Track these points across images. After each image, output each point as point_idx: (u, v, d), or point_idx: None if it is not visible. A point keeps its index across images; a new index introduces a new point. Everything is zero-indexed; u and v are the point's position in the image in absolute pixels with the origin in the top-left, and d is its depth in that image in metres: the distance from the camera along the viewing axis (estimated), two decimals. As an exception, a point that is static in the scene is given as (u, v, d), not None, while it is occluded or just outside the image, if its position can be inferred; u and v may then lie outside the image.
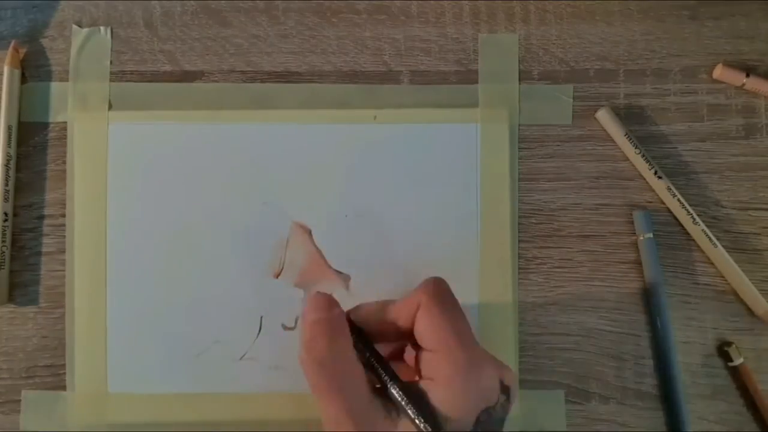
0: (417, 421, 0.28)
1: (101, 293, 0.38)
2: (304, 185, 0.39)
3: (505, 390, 0.29)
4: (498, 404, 0.29)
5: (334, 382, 0.29)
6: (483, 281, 0.39)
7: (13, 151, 0.38)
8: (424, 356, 0.30)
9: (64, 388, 0.38)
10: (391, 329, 0.31)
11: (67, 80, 0.39)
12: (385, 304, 0.32)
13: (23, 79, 0.39)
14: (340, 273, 0.39)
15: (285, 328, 0.38)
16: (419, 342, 0.30)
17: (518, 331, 0.39)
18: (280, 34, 0.40)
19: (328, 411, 0.29)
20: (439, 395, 0.29)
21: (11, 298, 0.38)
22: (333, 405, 0.29)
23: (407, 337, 0.31)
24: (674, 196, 0.39)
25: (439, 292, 0.31)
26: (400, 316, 0.31)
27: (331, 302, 0.31)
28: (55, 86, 0.39)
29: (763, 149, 0.40)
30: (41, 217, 0.39)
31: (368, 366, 0.30)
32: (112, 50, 0.40)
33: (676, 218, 0.39)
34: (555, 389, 0.39)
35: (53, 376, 0.38)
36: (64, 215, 0.39)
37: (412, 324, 0.30)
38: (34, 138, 0.39)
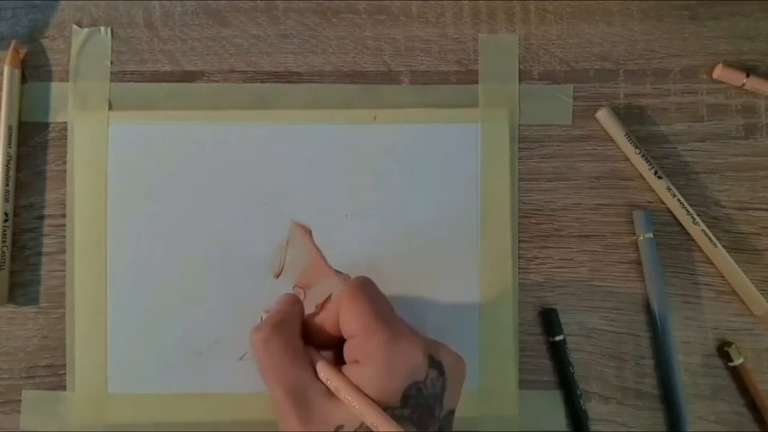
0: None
1: (101, 293, 0.38)
2: (304, 185, 0.39)
3: (436, 364, 0.29)
4: (428, 379, 0.29)
5: (275, 360, 0.30)
6: (483, 281, 0.39)
7: (13, 151, 0.38)
8: (349, 344, 0.31)
9: (64, 388, 0.38)
10: (323, 333, 0.32)
11: (67, 80, 0.39)
12: (316, 312, 0.34)
13: (23, 79, 0.39)
14: (340, 273, 0.39)
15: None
16: (344, 335, 0.31)
17: (518, 331, 0.39)
18: (280, 34, 0.40)
19: (271, 390, 0.30)
20: (362, 374, 0.29)
21: (11, 298, 0.38)
22: (274, 383, 0.30)
23: (339, 340, 0.32)
24: (674, 196, 0.39)
25: (360, 284, 0.32)
26: (327, 317, 0.32)
27: (293, 300, 0.34)
28: (55, 86, 0.39)
29: (763, 149, 0.40)
30: (41, 217, 0.39)
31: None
32: (112, 50, 0.40)
33: (676, 218, 0.39)
34: (555, 389, 0.39)
35: (53, 376, 0.38)
36: (64, 215, 0.39)
37: (338, 323, 0.31)
38: (34, 138, 0.39)
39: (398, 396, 0.28)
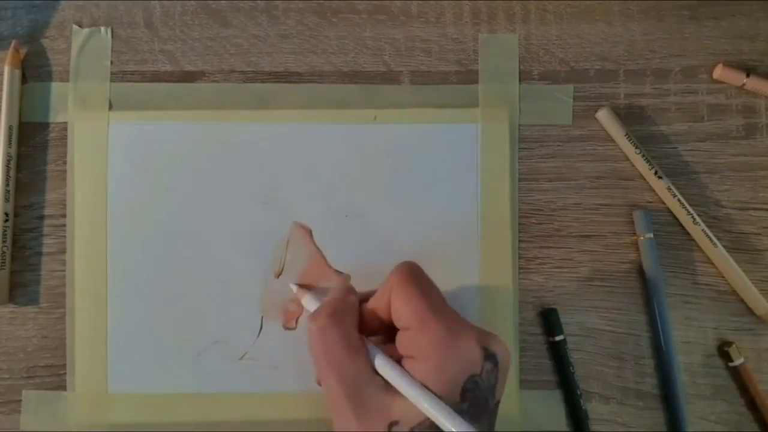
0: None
1: (101, 293, 0.38)
2: (304, 185, 0.39)
3: (491, 357, 0.29)
4: (484, 371, 0.29)
5: (332, 351, 0.30)
6: (483, 281, 0.39)
7: (13, 151, 0.38)
8: (402, 336, 0.30)
9: (64, 388, 0.38)
10: (375, 320, 0.32)
11: (67, 80, 0.39)
12: (364, 297, 0.33)
13: (23, 79, 0.39)
14: (340, 273, 0.39)
15: (285, 328, 0.38)
16: (397, 324, 0.31)
17: (518, 331, 0.39)
18: (280, 34, 0.40)
19: (326, 381, 0.30)
20: (420, 371, 0.29)
21: (11, 298, 0.38)
22: (330, 375, 0.29)
23: (390, 326, 0.31)
24: (674, 196, 0.39)
25: (410, 271, 0.31)
26: (378, 304, 0.31)
27: (349, 289, 0.33)
28: (55, 86, 0.39)
29: (763, 149, 0.40)
30: (41, 217, 0.39)
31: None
32: (112, 50, 0.40)
33: (676, 218, 0.39)
34: (555, 389, 0.39)
35: (53, 376, 0.38)
36: (64, 215, 0.39)
37: (389, 311, 0.31)
38: (34, 138, 0.39)
39: (458, 391, 0.28)
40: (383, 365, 0.30)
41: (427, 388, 0.28)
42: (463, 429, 0.27)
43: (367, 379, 0.29)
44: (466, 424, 0.27)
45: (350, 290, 0.33)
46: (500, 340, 0.30)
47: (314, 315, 0.31)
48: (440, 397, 0.28)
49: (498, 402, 0.30)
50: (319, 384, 0.32)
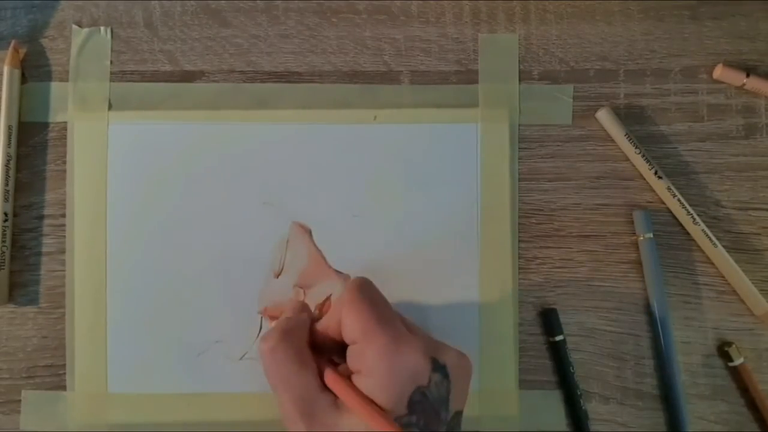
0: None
1: (101, 293, 0.38)
2: (304, 185, 0.39)
3: (440, 368, 0.29)
4: (432, 383, 0.29)
5: (282, 370, 0.30)
6: (483, 281, 0.39)
7: (13, 151, 0.38)
8: (350, 351, 0.31)
9: (64, 388, 0.38)
10: (328, 339, 0.32)
11: (67, 80, 0.39)
12: (318, 317, 0.33)
13: (23, 79, 0.39)
14: (340, 273, 0.39)
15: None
16: (345, 339, 0.31)
17: (518, 331, 0.39)
18: (280, 34, 0.40)
19: (279, 400, 0.30)
20: (367, 384, 0.29)
21: (11, 298, 0.38)
22: (283, 393, 0.30)
23: (343, 344, 0.32)
24: (674, 196, 0.39)
25: (360, 286, 0.31)
26: (330, 321, 0.32)
27: (301, 307, 0.34)
28: (55, 86, 0.39)
29: (763, 149, 0.40)
30: (41, 217, 0.39)
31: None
32: (112, 50, 0.40)
33: (676, 218, 0.39)
34: (555, 389, 0.39)
35: (53, 376, 0.38)
36: (64, 215, 0.39)
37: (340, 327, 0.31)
38: (34, 138, 0.39)
39: (404, 403, 0.28)
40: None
41: (370, 401, 0.28)
42: None
43: (316, 396, 0.30)
44: None
45: (303, 307, 0.34)
46: (454, 350, 0.30)
47: (265, 336, 0.31)
48: (387, 410, 0.28)
49: (459, 412, 0.30)
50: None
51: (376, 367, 0.29)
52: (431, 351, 0.29)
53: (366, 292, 0.31)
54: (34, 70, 0.40)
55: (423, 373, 0.29)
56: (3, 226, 0.38)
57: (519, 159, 0.40)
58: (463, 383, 0.30)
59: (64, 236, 0.39)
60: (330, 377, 0.30)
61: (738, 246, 0.40)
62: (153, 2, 0.40)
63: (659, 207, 0.40)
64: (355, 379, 0.30)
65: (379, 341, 0.29)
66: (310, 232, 0.39)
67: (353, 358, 0.30)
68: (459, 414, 0.30)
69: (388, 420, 0.27)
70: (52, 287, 0.38)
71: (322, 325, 0.32)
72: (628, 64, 0.40)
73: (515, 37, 0.40)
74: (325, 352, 0.32)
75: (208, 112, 0.39)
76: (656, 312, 0.39)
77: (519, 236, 0.39)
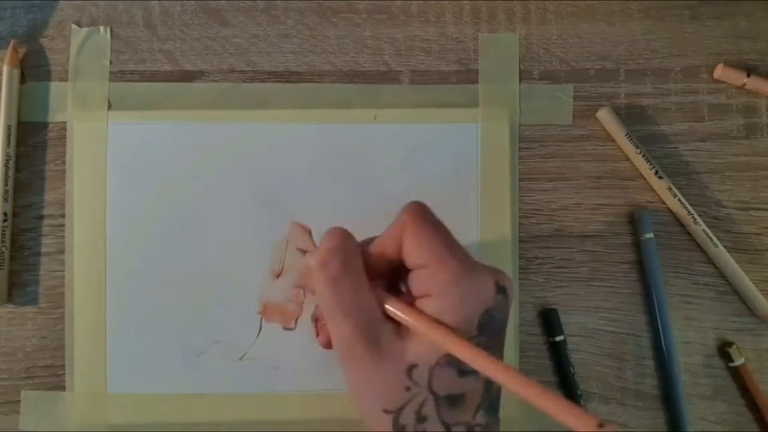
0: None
1: (101, 293, 0.38)
2: (304, 185, 0.39)
3: (501, 291, 0.29)
4: (497, 305, 0.29)
5: (346, 300, 0.29)
6: (483, 281, 0.38)
7: (12, 151, 0.38)
8: (416, 275, 0.30)
9: (63, 388, 0.38)
10: (381, 262, 0.31)
11: (66, 80, 0.39)
12: (370, 240, 0.32)
13: (23, 78, 0.39)
14: (340, 273, 0.38)
15: (285, 328, 0.38)
16: (408, 264, 0.30)
17: (518, 331, 0.39)
18: (280, 34, 0.40)
19: (340, 330, 0.29)
20: (437, 307, 0.28)
21: (11, 299, 0.38)
22: (345, 323, 0.29)
23: (398, 267, 0.31)
24: (675, 196, 0.39)
25: (421, 210, 0.30)
26: (387, 245, 0.30)
27: (346, 233, 0.31)
28: (54, 86, 0.39)
29: (763, 149, 0.40)
30: (41, 217, 0.39)
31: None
32: (111, 50, 0.40)
33: (676, 218, 0.39)
34: (555, 390, 0.39)
35: (53, 376, 0.38)
36: (63, 215, 0.39)
37: (400, 250, 0.30)
38: (33, 138, 0.39)
39: (475, 324, 0.28)
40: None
41: (442, 323, 0.28)
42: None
43: (381, 323, 0.29)
44: (481, 351, 0.27)
45: (349, 234, 0.31)
46: (506, 274, 0.30)
47: (323, 264, 0.29)
48: (459, 332, 0.28)
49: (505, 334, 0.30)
50: (325, 347, 0.32)
51: (449, 290, 0.28)
52: (494, 275, 0.29)
53: (429, 216, 0.30)
54: (33, 70, 0.39)
55: (490, 296, 0.29)
56: (2, 226, 0.38)
57: (519, 159, 0.40)
58: (511, 304, 0.31)
59: (64, 236, 0.38)
60: (394, 303, 0.29)
61: (739, 246, 0.40)
62: (152, 2, 0.40)
63: (660, 207, 0.40)
64: (421, 303, 0.29)
65: (452, 265, 0.28)
66: (310, 232, 0.39)
67: (420, 281, 0.30)
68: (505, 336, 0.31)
69: (463, 339, 0.27)
70: (51, 287, 0.38)
71: (374, 250, 0.31)
72: (629, 64, 0.40)
73: (515, 37, 0.40)
74: (372, 278, 0.31)
75: (208, 112, 0.39)
76: (657, 312, 0.38)
77: (519, 236, 0.39)
